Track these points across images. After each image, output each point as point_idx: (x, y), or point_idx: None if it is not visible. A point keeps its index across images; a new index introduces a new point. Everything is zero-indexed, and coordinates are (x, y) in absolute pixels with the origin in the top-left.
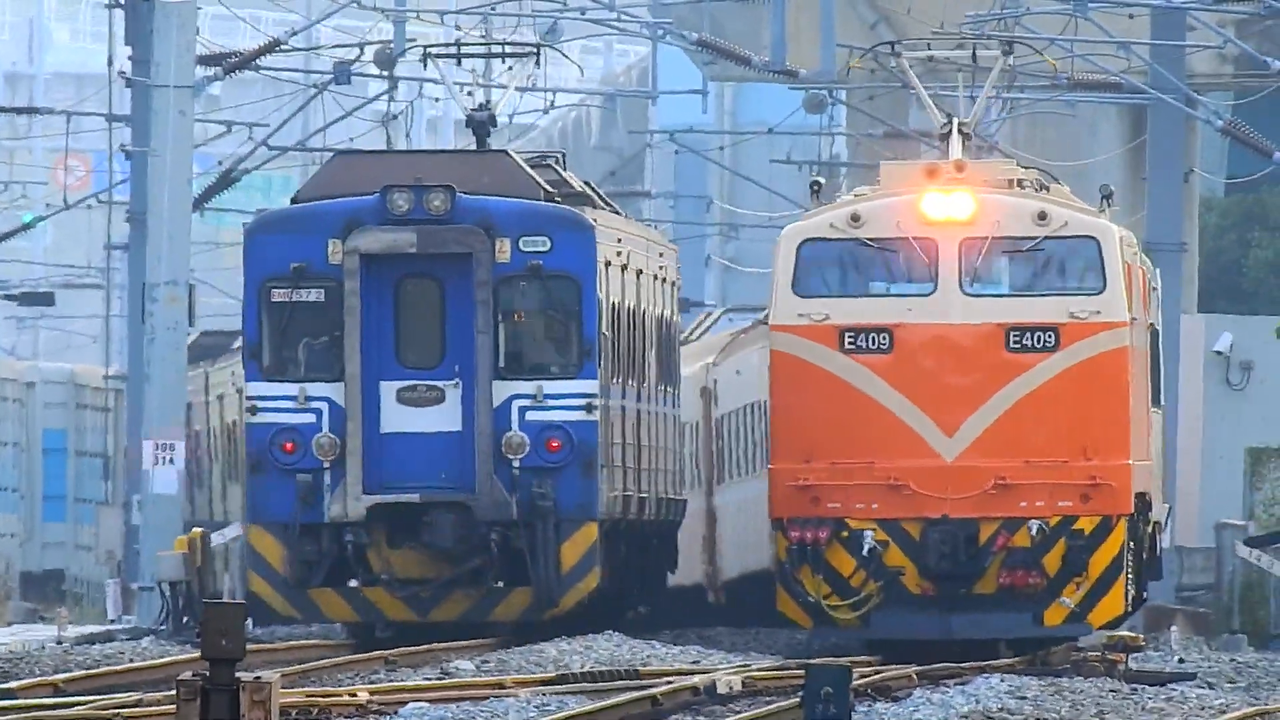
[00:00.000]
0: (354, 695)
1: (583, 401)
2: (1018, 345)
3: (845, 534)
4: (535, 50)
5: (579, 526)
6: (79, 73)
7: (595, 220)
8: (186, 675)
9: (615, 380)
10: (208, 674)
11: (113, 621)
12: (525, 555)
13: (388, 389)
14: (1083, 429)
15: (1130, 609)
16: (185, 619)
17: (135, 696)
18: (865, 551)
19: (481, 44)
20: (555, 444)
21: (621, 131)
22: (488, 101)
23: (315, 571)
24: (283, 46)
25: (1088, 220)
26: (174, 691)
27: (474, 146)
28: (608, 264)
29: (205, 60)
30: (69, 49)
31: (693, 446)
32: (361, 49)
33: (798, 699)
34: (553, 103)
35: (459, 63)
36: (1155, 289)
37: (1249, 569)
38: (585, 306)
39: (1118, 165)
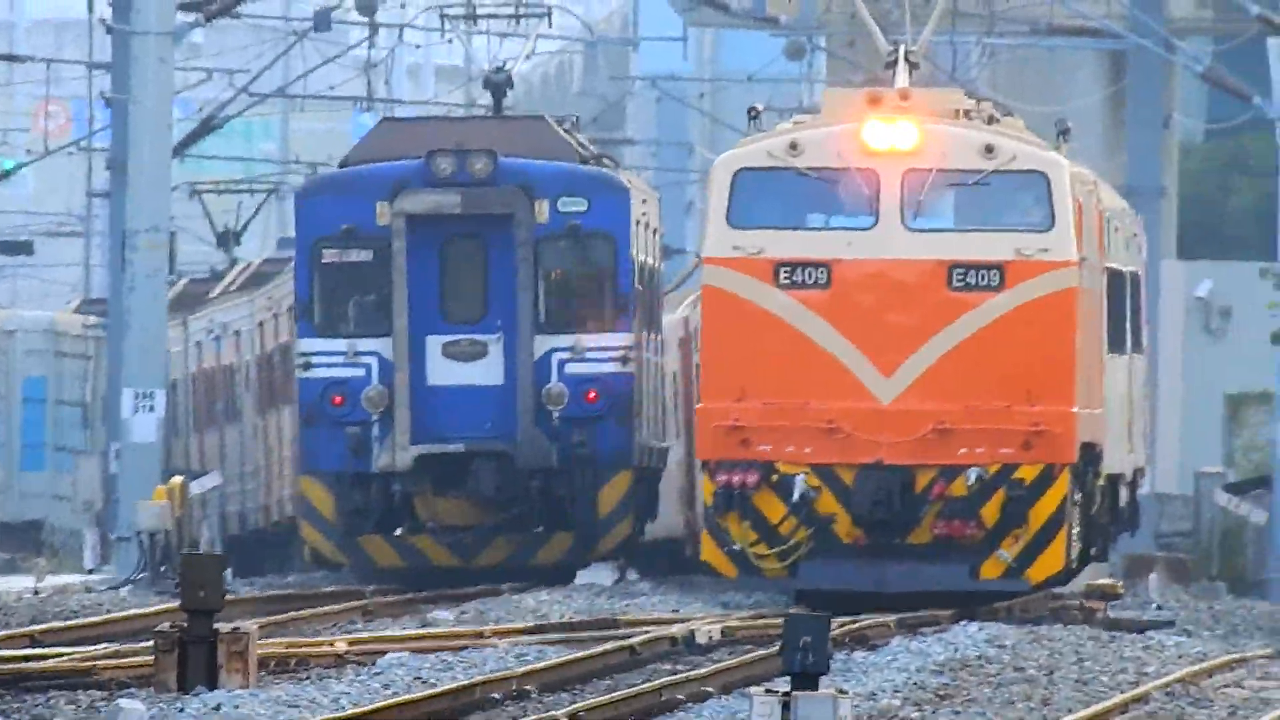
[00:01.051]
0: (332, 645)
1: (619, 354)
2: (961, 284)
3: (775, 478)
4: (547, 11)
5: (616, 473)
6: (59, 19)
7: (629, 182)
8: (165, 626)
9: (644, 334)
10: (186, 625)
11: (91, 572)
12: (565, 502)
13: (434, 343)
14: (1027, 373)
15: (1074, 565)
16: (163, 569)
17: (113, 648)
18: (796, 497)
19: (497, 4)
20: (593, 395)
21: (603, 78)
22: (504, 64)
23: (365, 520)
24: None
25: (1037, 154)
26: (152, 643)
27: (486, 105)
28: (637, 223)
29: (186, 7)
30: None
31: (672, 396)
32: None
33: (776, 649)
34: (534, 49)
35: (474, 22)
36: (1131, 233)
37: (1227, 516)
38: (620, 264)
39: (1098, 111)
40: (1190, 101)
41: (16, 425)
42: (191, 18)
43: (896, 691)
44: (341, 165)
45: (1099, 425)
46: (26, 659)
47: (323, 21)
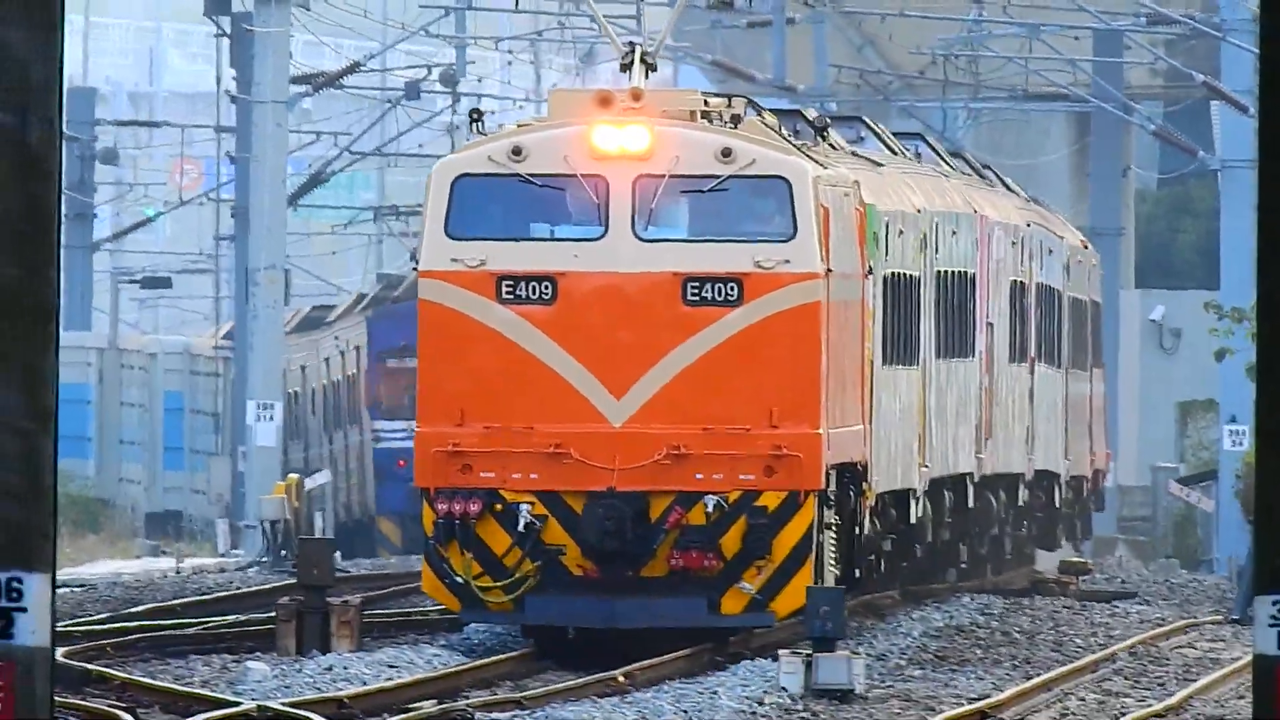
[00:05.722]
0: (425, 615)
1: None
2: (696, 297)
3: (499, 507)
4: None
5: None
6: (191, 91)
7: None
8: (285, 600)
9: None
10: (302, 599)
11: (222, 555)
12: None
13: None
14: (768, 393)
15: None
16: (283, 552)
17: (241, 618)
18: (521, 527)
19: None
20: None
21: None
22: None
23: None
24: (362, 68)
25: (777, 158)
26: (274, 613)
27: None
28: None
29: (297, 80)
30: (183, 71)
31: None
32: (429, 69)
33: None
34: None
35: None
36: (1091, 264)
37: (1180, 504)
38: None
39: (1066, 164)
40: (1144, 155)
41: (159, 432)
42: (302, 89)
43: (902, 653)
44: (394, 301)
45: (859, 442)
46: (170, 627)
47: (413, 91)
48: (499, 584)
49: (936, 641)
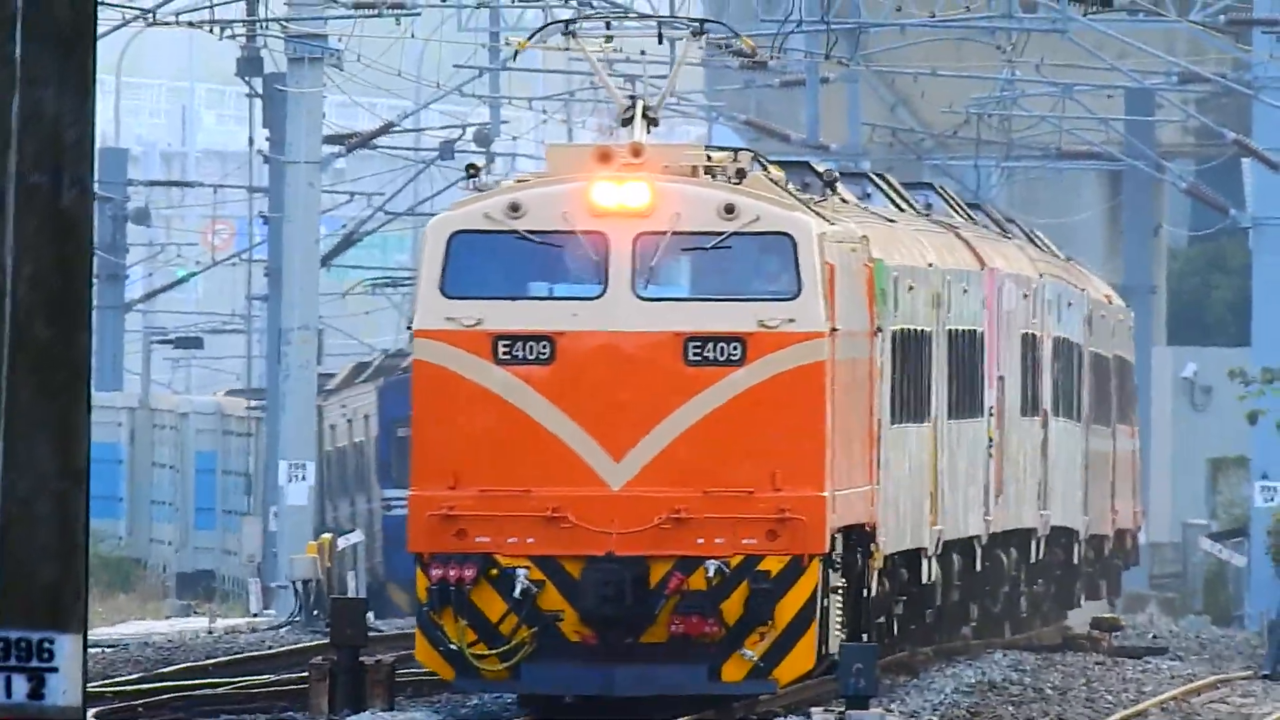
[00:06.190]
0: None
1: None
2: (698, 357)
3: (494, 572)
4: None
5: None
6: (224, 151)
7: None
8: (317, 659)
9: None
10: (335, 658)
11: (254, 614)
12: None
13: None
14: (771, 455)
15: (834, 657)
16: (315, 612)
17: (274, 678)
18: (517, 593)
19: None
20: None
21: None
22: None
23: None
24: (396, 128)
25: (781, 214)
26: (307, 673)
27: None
28: None
29: (330, 140)
30: (216, 131)
31: None
32: (463, 129)
33: (833, 676)
34: None
35: None
36: (1118, 320)
37: (1211, 560)
38: None
39: (1099, 221)
40: (1176, 213)
41: (190, 491)
42: (335, 149)
43: (934, 710)
44: (404, 370)
45: (866, 503)
46: (202, 687)
47: (447, 151)
48: (494, 651)
49: (969, 698)
